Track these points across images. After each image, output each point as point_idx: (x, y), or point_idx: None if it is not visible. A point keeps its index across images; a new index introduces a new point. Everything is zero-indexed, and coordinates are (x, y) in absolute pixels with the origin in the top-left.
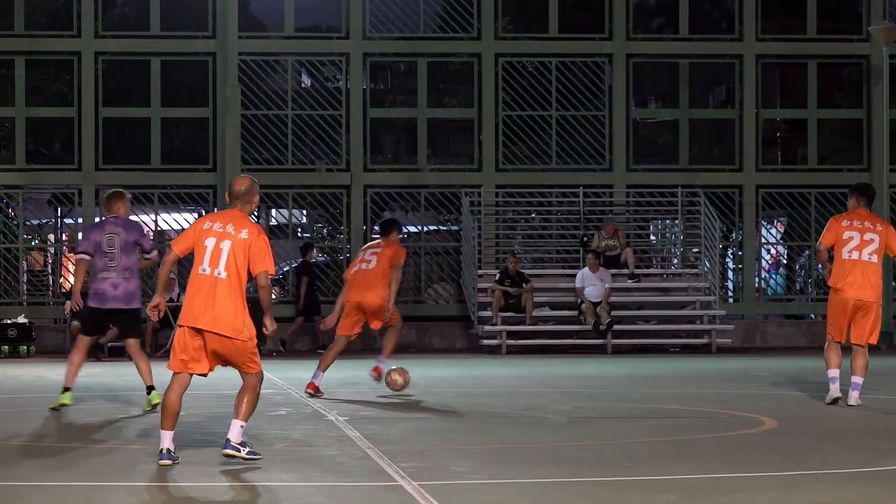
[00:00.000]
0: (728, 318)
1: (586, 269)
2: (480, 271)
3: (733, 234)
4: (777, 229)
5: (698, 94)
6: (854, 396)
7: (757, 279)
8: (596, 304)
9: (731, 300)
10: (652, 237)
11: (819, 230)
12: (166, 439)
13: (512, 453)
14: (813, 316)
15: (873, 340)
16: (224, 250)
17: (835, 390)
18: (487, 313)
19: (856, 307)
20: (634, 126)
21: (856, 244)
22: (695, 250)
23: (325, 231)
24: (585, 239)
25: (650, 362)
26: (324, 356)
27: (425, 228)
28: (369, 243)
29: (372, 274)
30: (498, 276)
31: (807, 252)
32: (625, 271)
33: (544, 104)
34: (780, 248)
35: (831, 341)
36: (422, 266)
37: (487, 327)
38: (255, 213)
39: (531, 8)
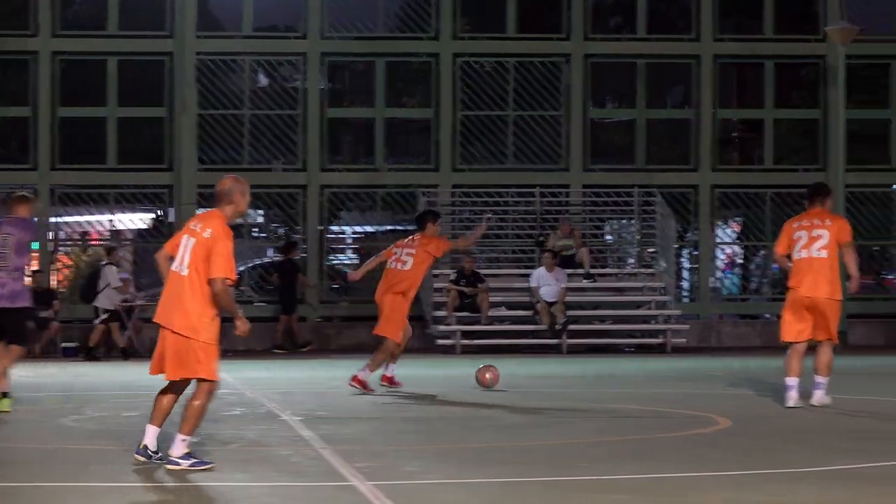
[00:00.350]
0: (683, 317)
1: (542, 268)
2: (436, 271)
3: (689, 234)
4: (732, 229)
5: (655, 94)
6: (817, 396)
7: (712, 279)
8: (551, 304)
9: (686, 300)
10: (608, 237)
11: (775, 230)
12: (148, 434)
13: (466, 453)
14: (768, 315)
15: (831, 336)
16: (189, 248)
17: (790, 398)
18: (442, 313)
19: (809, 305)
20: (591, 126)
21: (804, 243)
22: (650, 250)
23: (280, 231)
24: (541, 239)
25: (605, 362)
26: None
27: (382, 228)
28: (405, 240)
29: (402, 278)
30: (453, 275)
31: (762, 252)
32: (580, 271)
33: (501, 104)
34: (735, 247)
35: (792, 346)
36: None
37: (442, 327)
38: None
39: (489, 8)
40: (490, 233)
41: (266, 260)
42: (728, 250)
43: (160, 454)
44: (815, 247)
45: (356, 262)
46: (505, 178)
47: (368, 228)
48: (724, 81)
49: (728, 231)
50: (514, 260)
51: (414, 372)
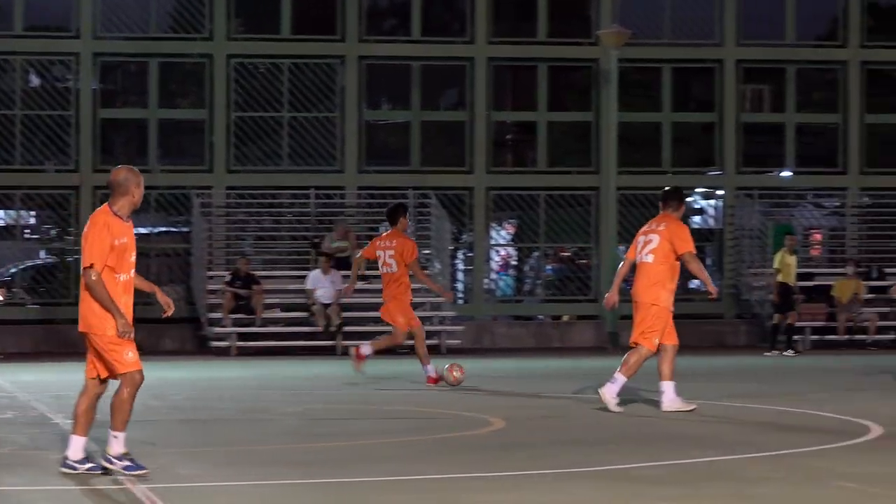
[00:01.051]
0: (458, 319)
1: (317, 270)
2: (211, 273)
3: (464, 236)
4: (507, 231)
5: (430, 96)
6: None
7: (486, 280)
8: (327, 306)
9: (460, 301)
10: None
11: (549, 232)
12: (70, 445)
13: (242, 455)
14: (542, 317)
15: (642, 340)
16: (83, 247)
17: (605, 391)
18: (218, 315)
19: (634, 307)
20: (366, 128)
21: (640, 248)
22: (425, 252)
23: (52, 232)
24: (317, 240)
25: (381, 363)
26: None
27: (155, 230)
28: (383, 239)
29: (393, 280)
30: (228, 277)
31: (535, 254)
32: None
33: (276, 105)
34: (509, 249)
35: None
36: (151, 268)
37: (217, 329)
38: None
39: (264, 9)
40: (265, 234)
41: (39, 262)
42: (502, 252)
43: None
44: (645, 251)
45: None
46: (280, 179)
47: (142, 230)
48: (498, 84)
49: (502, 233)
50: (290, 262)
51: (189, 374)
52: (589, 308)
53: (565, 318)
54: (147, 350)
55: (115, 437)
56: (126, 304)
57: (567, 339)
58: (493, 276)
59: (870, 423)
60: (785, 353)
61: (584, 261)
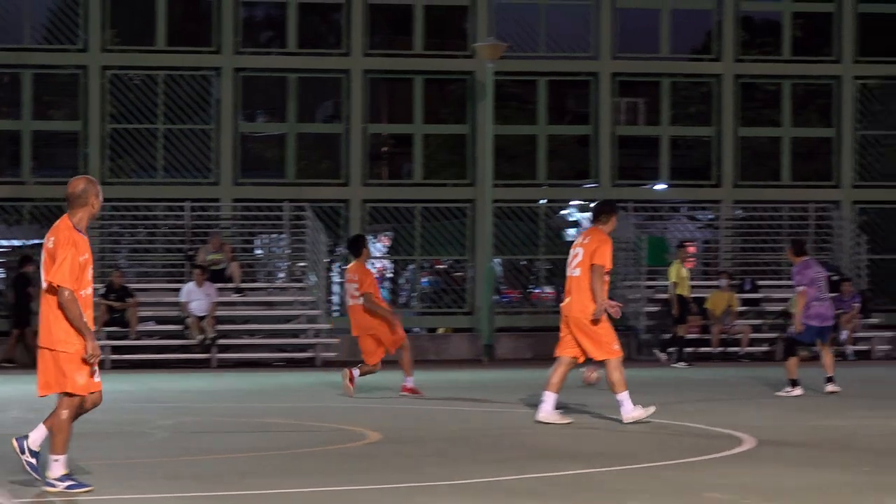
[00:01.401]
0: (333, 331)
1: (192, 283)
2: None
3: (339, 249)
4: (383, 243)
5: (306, 108)
6: (541, 409)
7: None
8: (201, 318)
9: (336, 314)
10: (258, 251)
11: (424, 245)
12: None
13: (115, 469)
14: (418, 329)
15: (606, 355)
16: (43, 262)
17: (540, 410)
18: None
19: (565, 321)
20: (242, 140)
21: (569, 262)
22: (301, 264)
23: None
24: (191, 253)
25: (256, 376)
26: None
27: (29, 242)
28: (348, 275)
29: (358, 309)
30: (103, 289)
31: (411, 266)
32: (230, 285)
33: (151, 117)
34: (385, 262)
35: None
36: None
37: None
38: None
39: (138, 20)
40: (140, 247)
41: None
42: (378, 264)
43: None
44: (572, 265)
45: (2, 275)
46: (154, 191)
47: (15, 242)
48: (374, 96)
49: (378, 245)
50: (165, 274)
51: None
52: (464, 321)
53: (441, 330)
54: (20, 364)
55: (56, 460)
56: (89, 319)
57: (442, 352)
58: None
59: (742, 434)
60: (675, 365)
61: (459, 273)
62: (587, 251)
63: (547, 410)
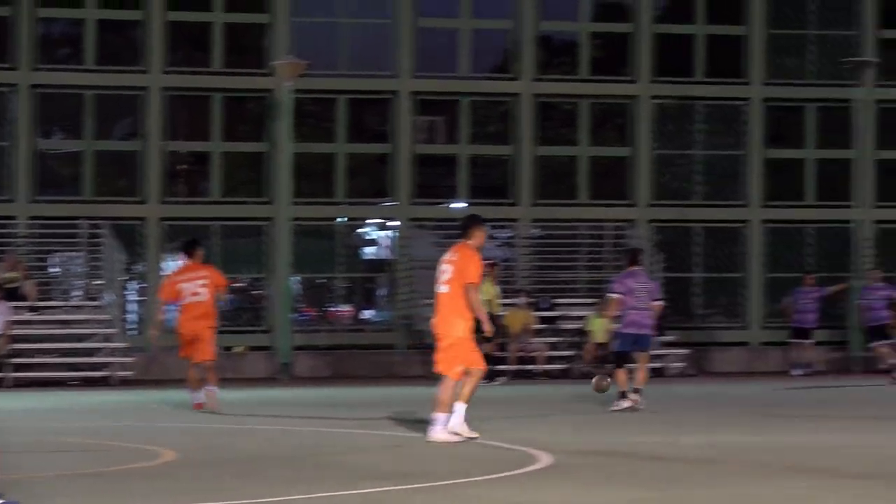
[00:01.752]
0: (129, 350)
1: None
2: None
3: (136, 267)
4: (180, 262)
5: (103, 125)
6: (433, 431)
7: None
8: None
9: (132, 333)
10: (54, 269)
11: (225, 263)
12: None
13: None
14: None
15: (447, 371)
16: None
17: (431, 431)
18: None
19: (436, 339)
20: (38, 157)
21: (438, 278)
22: (97, 282)
23: None
24: None
25: (51, 396)
26: None
27: None
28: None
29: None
30: None
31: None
32: (25, 304)
33: None
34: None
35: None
36: None
37: None
38: None
39: None
40: None
41: None
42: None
43: None
44: (441, 281)
45: None
46: None
47: None
48: (172, 113)
49: (178, 263)
50: None
51: None
52: (262, 339)
53: (238, 349)
54: None
55: None
56: None
57: (239, 370)
58: (164, 307)
59: (539, 451)
60: (493, 383)
61: (257, 291)
62: (457, 268)
63: (456, 422)
